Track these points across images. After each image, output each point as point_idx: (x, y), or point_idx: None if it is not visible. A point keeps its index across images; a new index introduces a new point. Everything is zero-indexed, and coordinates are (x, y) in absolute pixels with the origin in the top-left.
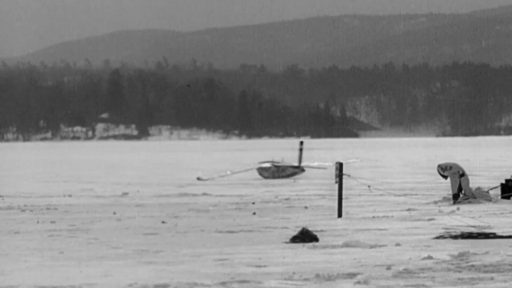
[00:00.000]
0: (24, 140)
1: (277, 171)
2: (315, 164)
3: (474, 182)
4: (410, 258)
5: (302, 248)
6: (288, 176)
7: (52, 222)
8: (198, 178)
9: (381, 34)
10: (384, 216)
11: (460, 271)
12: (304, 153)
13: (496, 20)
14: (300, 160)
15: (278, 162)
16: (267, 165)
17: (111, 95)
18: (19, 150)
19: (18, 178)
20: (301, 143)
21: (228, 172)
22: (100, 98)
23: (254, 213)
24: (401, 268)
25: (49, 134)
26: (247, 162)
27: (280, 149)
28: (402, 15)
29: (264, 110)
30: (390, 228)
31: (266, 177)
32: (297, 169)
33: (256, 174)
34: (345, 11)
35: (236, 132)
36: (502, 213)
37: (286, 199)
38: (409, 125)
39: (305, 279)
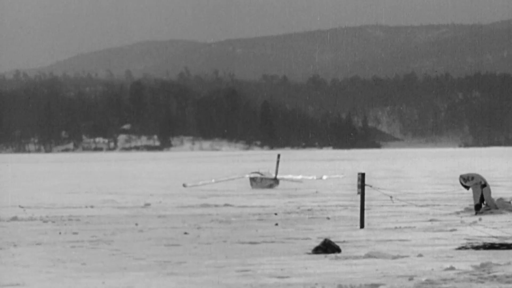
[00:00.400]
0: (46, 151)
1: (260, 182)
2: (299, 177)
3: (496, 193)
4: (432, 269)
5: (325, 259)
6: (268, 186)
7: (74, 233)
8: (184, 185)
9: (403, 45)
10: (406, 227)
11: (482, 282)
12: (301, 164)
13: None
14: (276, 172)
15: (262, 174)
16: (253, 175)
17: (133, 106)
18: (41, 161)
19: (40, 189)
20: (278, 156)
21: (213, 180)
22: (122, 109)
23: (277, 224)
24: (423, 279)
25: (71, 145)
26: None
27: (299, 160)
28: (424, 25)
29: (286, 120)
30: (412, 239)
31: (254, 187)
32: (273, 181)
33: (248, 183)
34: (367, 21)
35: (258, 142)
36: None
37: (309, 210)
38: (431, 135)
39: None
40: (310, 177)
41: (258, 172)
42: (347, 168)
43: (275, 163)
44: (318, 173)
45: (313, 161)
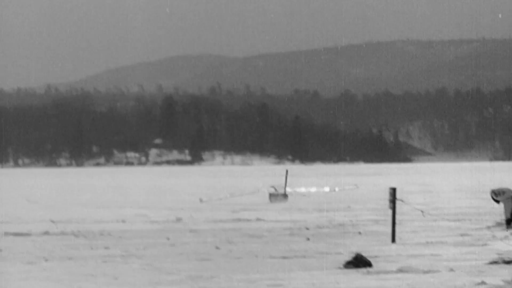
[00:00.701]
0: (77, 165)
1: (272, 197)
2: (313, 189)
3: None
4: (464, 284)
5: (356, 274)
6: (279, 201)
7: (106, 248)
8: (200, 200)
9: (433, 59)
10: (437, 242)
11: None
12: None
13: None
14: (285, 187)
15: (276, 188)
16: (271, 190)
17: (165, 121)
18: (72, 175)
19: (71, 204)
20: (287, 171)
21: (228, 195)
22: (154, 124)
23: (308, 239)
24: None
25: (102, 160)
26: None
27: (330, 174)
28: (455, 40)
29: (317, 135)
30: (443, 253)
31: (272, 201)
32: (282, 196)
33: (267, 198)
34: (398, 36)
35: (290, 157)
36: None
37: (340, 224)
38: (462, 150)
39: None
40: (324, 189)
41: (273, 187)
42: (379, 182)
43: (303, 177)
44: (334, 186)
45: (343, 176)
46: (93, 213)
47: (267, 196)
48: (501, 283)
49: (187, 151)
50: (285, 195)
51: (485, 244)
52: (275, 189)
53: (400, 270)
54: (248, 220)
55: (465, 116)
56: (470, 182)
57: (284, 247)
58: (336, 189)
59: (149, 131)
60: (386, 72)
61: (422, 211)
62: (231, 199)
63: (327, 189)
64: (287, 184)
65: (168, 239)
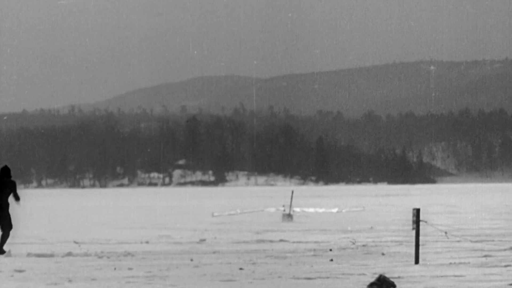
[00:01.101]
0: (101, 186)
1: (283, 216)
2: (321, 210)
3: None
4: None
5: None
6: (285, 220)
7: (129, 269)
8: (212, 214)
9: (457, 80)
10: (461, 263)
11: None
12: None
13: None
14: (290, 208)
15: (285, 209)
16: (282, 209)
17: (188, 141)
18: (96, 196)
19: (95, 225)
20: (292, 192)
21: (238, 211)
22: (177, 144)
23: (332, 260)
24: None
25: (125, 181)
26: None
27: (352, 195)
28: (478, 61)
29: (341, 156)
30: (467, 274)
31: (283, 220)
32: (287, 216)
33: (280, 216)
34: (421, 57)
35: (313, 178)
36: None
37: (364, 245)
38: (485, 170)
39: None
40: (332, 210)
41: (283, 206)
42: (402, 203)
43: (323, 198)
44: (341, 206)
45: (365, 197)
46: (116, 234)
47: (276, 214)
48: None
49: (210, 172)
50: (289, 215)
51: (509, 265)
52: (284, 209)
53: None
54: (271, 241)
55: (488, 137)
56: (494, 203)
57: (307, 268)
58: (343, 211)
59: (172, 152)
60: (409, 93)
61: (445, 232)
62: (241, 216)
63: (334, 210)
64: (294, 204)
65: (191, 260)
